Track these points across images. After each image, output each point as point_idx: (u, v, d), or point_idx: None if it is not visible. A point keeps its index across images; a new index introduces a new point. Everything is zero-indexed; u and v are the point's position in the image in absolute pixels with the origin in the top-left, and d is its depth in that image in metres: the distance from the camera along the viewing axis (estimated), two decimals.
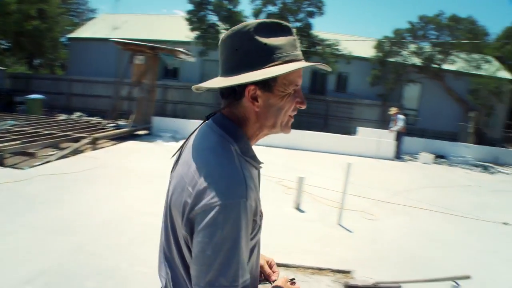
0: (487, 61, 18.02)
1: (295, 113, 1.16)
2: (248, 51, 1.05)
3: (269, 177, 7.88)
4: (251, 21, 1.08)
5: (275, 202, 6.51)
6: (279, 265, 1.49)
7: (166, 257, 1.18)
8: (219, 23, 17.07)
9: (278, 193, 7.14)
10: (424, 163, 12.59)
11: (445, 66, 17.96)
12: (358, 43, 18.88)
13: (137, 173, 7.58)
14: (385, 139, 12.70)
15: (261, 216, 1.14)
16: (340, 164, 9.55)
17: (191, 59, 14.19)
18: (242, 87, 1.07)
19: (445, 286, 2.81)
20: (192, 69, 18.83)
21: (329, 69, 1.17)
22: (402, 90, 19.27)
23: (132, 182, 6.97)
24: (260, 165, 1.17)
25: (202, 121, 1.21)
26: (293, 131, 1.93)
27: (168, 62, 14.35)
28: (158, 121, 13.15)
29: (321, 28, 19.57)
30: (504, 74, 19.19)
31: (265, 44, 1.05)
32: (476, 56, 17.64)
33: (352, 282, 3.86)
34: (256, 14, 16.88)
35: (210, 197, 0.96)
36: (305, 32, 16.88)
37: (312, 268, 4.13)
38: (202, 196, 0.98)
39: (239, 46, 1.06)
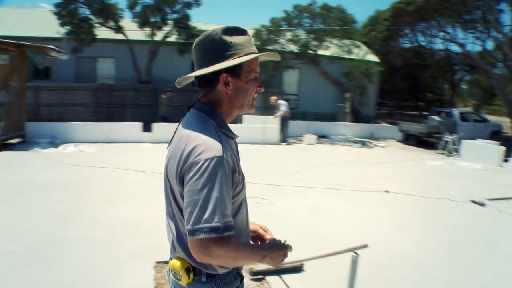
0: (357, 46, 19.60)
1: (256, 95, 1.48)
2: (218, 48, 1.37)
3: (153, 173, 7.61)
4: (218, 27, 1.40)
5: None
6: None
7: (170, 219, 1.41)
8: (92, 17, 15.93)
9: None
10: (309, 144, 13.28)
11: (320, 52, 19.07)
12: None
13: (14, 189, 6.52)
14: (270, 124, 13.02)
15: (242, 176, 1.40)
16: None
17: (63, 57, 12.93)
18: (217, 75, 1.37)
19: (345, 258, 2.86)
20: (67, 67, 17.30)
21: (278, 58, 1.49)
22: (282, 76, 20.05)
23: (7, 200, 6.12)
24: (236, 136, 1.45)
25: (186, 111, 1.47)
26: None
27: (38, 61, 12.91)
28: (33, 127, 11.66)
29: (200, 19, 19.41)
30: (371, 57, 21.05)
31: (231, 42, 1.37)
32: (347, 42, 19.02)
33: (256, 267, 3.80)
34: (132, 7, 16.03)
35: (194, 156, 1.24)
36: (182, 24, 16.56)
37: None
38: (189, 156, 1.25)
39: (211, 45, 1.38)
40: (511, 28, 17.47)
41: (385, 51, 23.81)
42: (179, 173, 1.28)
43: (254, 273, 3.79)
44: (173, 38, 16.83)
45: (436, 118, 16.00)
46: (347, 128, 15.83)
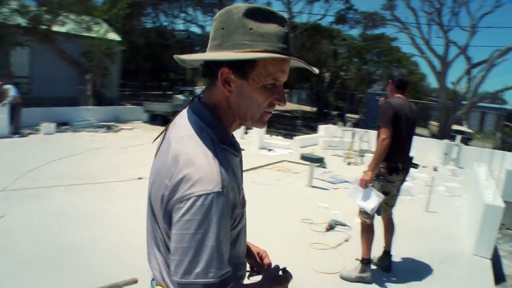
0: (97, 23, 18.10)
1: (271, 109, 1.09)
2: (231, 31, 1.01)
3: None
4: (244, 4, 1.02)
5: None
6: None
7: (156, 248, 1.13)
8: None
9: None
10: (48, 134, 11.46)
11: (55, 28, 16.78)
12: None
13: None
14: None
15: (243, 204, 1.15)
16: None
17: None
18: (217, 67, 1.03)
19: None
20: None
21: (315, 71, 1.11)
22: (9, 55, 16.86)
23: None
24: (240, 153, 1.18)
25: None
26: None
27: None
28: None
29: None
30: (113, 36, 19.94)
31: (251, 28, 1.00)
32: (86, 18, 17.33)
33: None
34: None
35: (185, 189, 0.95)
36: None
37: None
38: (178, 187, 0.97)
39: (225, 25, 1.02)
40: None
41: (127, 30, 23.04)
42: (165, 206, 1.01)
43: None
44: None
45: (181, 96, 16.52)
46: (90, 112, 14.54)
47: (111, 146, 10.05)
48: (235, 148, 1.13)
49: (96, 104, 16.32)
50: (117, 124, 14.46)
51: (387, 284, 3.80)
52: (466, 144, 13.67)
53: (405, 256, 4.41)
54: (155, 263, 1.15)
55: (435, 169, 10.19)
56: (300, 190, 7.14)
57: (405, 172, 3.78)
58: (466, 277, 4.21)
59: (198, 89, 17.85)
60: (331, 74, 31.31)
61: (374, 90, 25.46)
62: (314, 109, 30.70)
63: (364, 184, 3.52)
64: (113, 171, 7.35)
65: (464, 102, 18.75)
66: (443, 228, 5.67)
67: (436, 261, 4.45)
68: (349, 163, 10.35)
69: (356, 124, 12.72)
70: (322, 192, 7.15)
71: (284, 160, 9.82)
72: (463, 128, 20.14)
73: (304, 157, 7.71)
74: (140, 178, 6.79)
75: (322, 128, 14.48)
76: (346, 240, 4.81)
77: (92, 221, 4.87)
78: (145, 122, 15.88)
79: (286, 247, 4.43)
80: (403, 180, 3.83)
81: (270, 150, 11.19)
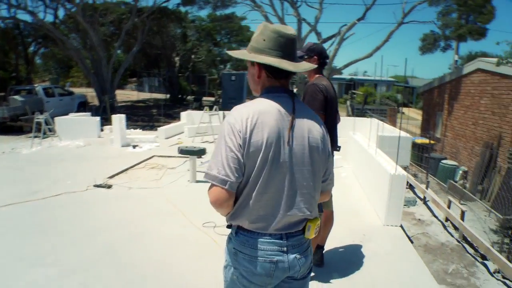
0: None
1: None
2: None
3: None
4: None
5: None
6: None
7: (306, 186, 1.58)
8: None
9: None
10: None
11: None
12: None
13: None
14: None
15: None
16: None
17: None
18: None
19: None
20: None
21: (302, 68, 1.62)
22: None
23: None
24: None
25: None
26: None
27: None
28: None
29: None
30: None
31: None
32: None
33: None
34: None
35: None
36: None
37: None
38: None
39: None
40: None
41: None
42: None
43: None
44: None
45: (18, 97, 13.95)
46: None
47: None
48: None
49: None
50: None
51: (324, 278, 3.34)
52: None
53: (327, 243, 4.02)
54: (308, 200, 1.57)
55: None
56: (188, 189, 6.32)
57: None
58: (391, 251, 4.07)
59: (39, 87, 15.42)
60: (181, 58, 30.33)
61: (229, 70, 25.35)
62: (168, 96, 29.43)
63: None
64: None
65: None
66: (346, 204, 5.52)
67: (357, 241, 4.21)
68: None
69: (212, 107, 12.20)
70: None
71: (153, 156, 8.80)
72: None
73: (183, 151, 6.73)
74: None
75: (183, 115, 13.64)
76: None
77: None
78: None
79: (196, 266, 3.64)
80: None
81: (135, 146, 9.95)
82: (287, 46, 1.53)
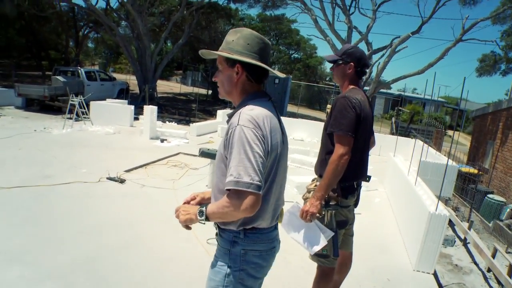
0: None
1: None
2: None
3: None
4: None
5: None
6: None
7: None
8: None
9: None
10: None
11: None
12: None
13: None
14: None
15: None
16: None
17: None
18: None
19: None
20: None
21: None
22: None
23: None
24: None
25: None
26: None
27: None
28: None
29: None
30: None
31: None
32: None
33: None
34: None
35: None
36: None
37: None
38: None
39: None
40: None
41: None
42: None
43: None
44: None
45: (60, 78, 14.06)
46: None
47: None
48: None
49: None
50: None
51: None
52: None
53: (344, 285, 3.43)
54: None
55: None
56: None
57: (359, 188, 2.71)
58: None
59: (82, 70, 15.51)
60: None
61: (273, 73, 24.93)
62: (210, 92, 29.27)
63: (310, 218, 2.38)
64: None
65: (366, 88, 18.93)
66: (374, 235, 4.89)
67: (378, 287, 3.57)
68: None
69: None
70: None
71: (180, 153, 8.44)
72: None
73: (204, 153, 5.85)
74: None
75: (220, 113, 13.24)
76: None
77: None
78: (19, 107, 13.17)
79: None
80: (358, 199, 2.72)
81: (163, 140, 9.62)
82: (266, 52, 1.62)
